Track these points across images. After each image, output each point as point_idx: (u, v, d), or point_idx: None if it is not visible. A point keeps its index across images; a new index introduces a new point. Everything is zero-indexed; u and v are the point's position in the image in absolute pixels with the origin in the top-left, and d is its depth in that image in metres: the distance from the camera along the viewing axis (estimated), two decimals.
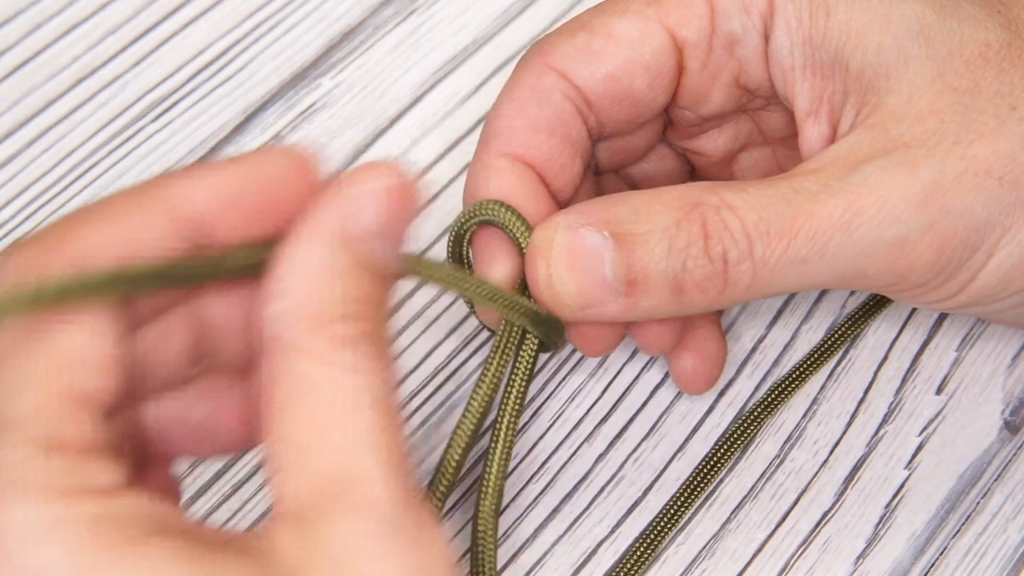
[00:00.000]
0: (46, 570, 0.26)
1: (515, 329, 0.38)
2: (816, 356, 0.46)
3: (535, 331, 0.38)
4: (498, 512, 0.38)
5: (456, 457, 0.37)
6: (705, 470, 0.43)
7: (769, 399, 0.45)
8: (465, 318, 0.47)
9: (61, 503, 0.27)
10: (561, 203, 0.40)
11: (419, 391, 0.46)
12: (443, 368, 0.46)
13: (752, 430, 0.44)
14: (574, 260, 0.37)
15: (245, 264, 0.31)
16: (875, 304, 0.47)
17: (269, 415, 0.29)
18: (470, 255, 0.41)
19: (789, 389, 0.45)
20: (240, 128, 0.51)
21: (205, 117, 0.52)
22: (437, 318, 0.47)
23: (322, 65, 0.53)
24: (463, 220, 0.39)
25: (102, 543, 0.27)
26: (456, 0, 0.54)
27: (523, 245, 0.38)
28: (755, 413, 0.45)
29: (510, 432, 0.38)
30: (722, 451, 0.44)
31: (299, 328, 0.29)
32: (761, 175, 0.44)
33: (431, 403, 0.45)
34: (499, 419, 0.39)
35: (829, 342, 0.46)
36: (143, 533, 0.27)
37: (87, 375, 0.29)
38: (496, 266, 0.39)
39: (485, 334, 0.46)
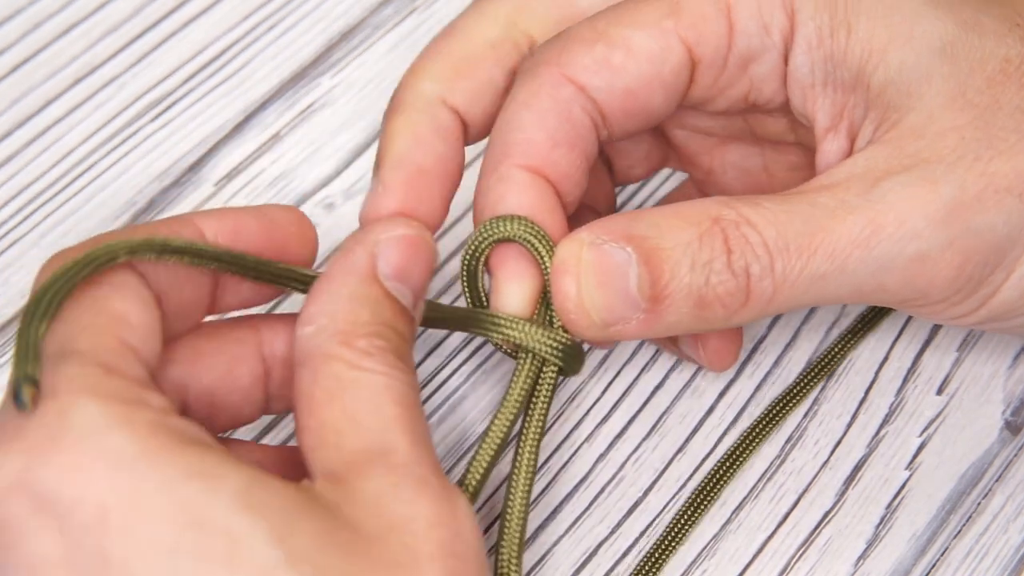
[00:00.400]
0: (117, 451, 0.30)
1: (535, 358, 0.38)
2: (818, 367, 0.46)
3: (557, 360, 0.38)
4: (523, 543, 0.38)
5: (474, 485, 0.37)
6: (710, 485, 0.43)
7: (768, 416, 0.45)
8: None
9: (124, 406, 0.31)
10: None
11: None
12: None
13: (752, 446, 0.44)
14: (602, 277, 0.36)
15: (282, 273, 0.37)
16: (874, 316, 0.46)
17: (305, 409, 0.34)
18: (484, 272, 0.40)
19: (786, 408, 0.45)
20: (240, 127, 0.51)
21: (204, 116, 0.51)
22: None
23: (322, 64, 0.53)
24: (483, 236, 0.38)
25: (162, 440, 0.31)
26: (456, 0, 0.54)
27: (547, 263, 0.38)
28: (755, 430, 0.44)
29: (532, 462, 0.38)
30: (723, 468, 0.44)
31: (332, 341, 0.34)
32: (745, 174, 0.44)
33: None
34: (520, 448, 0.38)
35: (830, 353, 0.46)
36: (197, 441, 0.32)
37: (135, 333, 0.33)
38: (518, 285, 0.39)
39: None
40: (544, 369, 0.39)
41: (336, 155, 0.51)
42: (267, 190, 0.50)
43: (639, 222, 0.37)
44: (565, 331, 0.38)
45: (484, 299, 0.40)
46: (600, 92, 0.38)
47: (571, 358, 0.38)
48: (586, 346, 0.46)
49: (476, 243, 0.39)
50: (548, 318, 0.38)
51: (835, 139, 0.39)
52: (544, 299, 0.39)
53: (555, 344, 0.38)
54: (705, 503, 0.43)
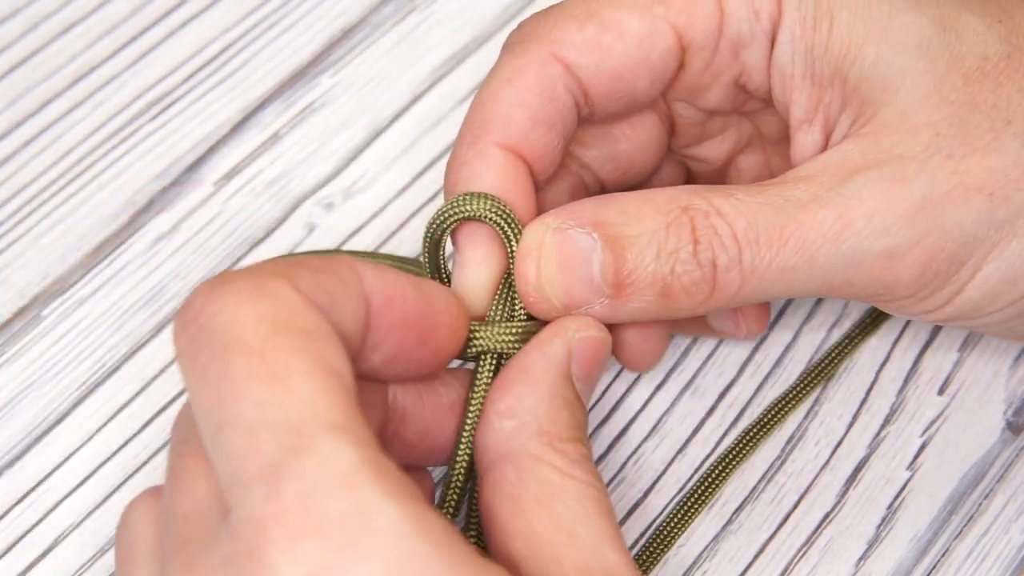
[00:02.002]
0: (422, 567, 0.28)
1: (491, 359, 0.38)
2: (817, 370, 0.45)
3: (516, 350, 0.38)
4: (466, 485, 0.38)
5: (452, 504, 0.37)
6: (704, 486, 0.43)
7: (766, 418, 0.45)
8: None
9: (417, 508, 0.29)
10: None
11: None
12: None
13: (752, 446, 0.44)
14: (563, 261, 0.37)
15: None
16: (873, 320, 0.46)
17: (509, 511, 0.34)
18: (445, 249, 0.39)
19: (795, 401, 0.45)
20: (239, 127, 0.51)
21: (204, 116, 0.51)
22: None
23: (321, 63, 0.53)
24: (451, 211, 0.38)
25: (454, 556, 0.29)
26: (455, 0, 0.54)
27: (513, 247, 0.38)
28: (752, 432, 0.44)
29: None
30: (719, 471, 0.44)
31: (538, 442, 0.34)
32: (753, 179, 0.44)
33: None
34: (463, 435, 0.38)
35: (829, 357, 0.46)
36: (460, 543, 0.30)
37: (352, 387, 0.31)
38: (483, 268, 0.38)
39: None
40: (502, 361, 0.38)
41: (335, 155, 0.51)
42: (266, 190, 0.50)
43: (609, 207, 0.37)
44: (528, 317, 0.38)
45: (445, 273, 0.39)
46: (586, 72, 0.38)
47: None
48: None
49: (443, 217, 0.38)
50: (511, 300, 0.38)
51: (809, 132, 0.39)
52: (507, 281, 0.38)
53: (513, 336, 0.38)
54: (700, 503, 0.43)
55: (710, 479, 0.43)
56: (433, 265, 0.39)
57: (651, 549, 0.42)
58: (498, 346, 0.38)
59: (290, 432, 0.29)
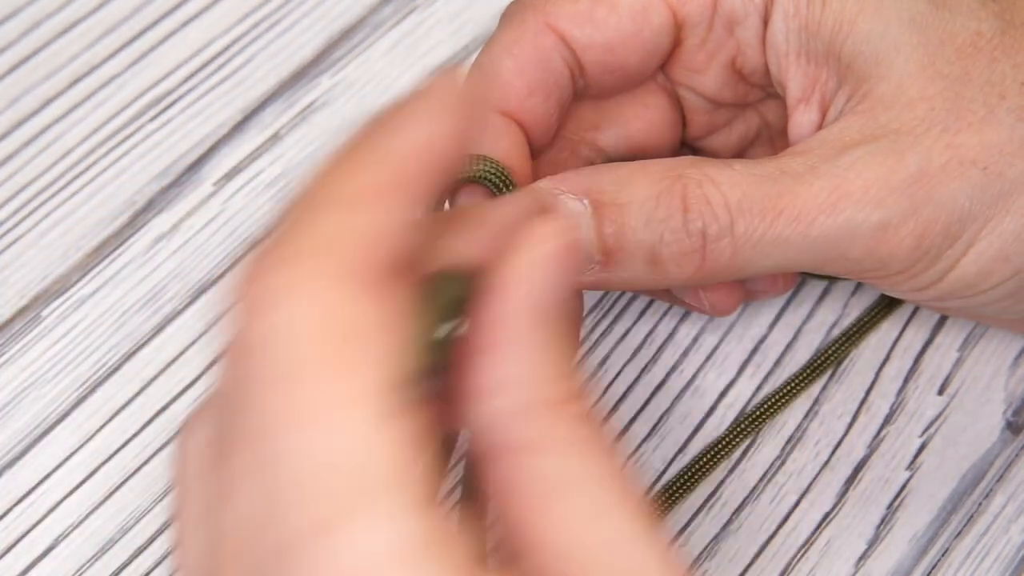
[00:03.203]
0: None
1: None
2: (815, 366, 0.46)
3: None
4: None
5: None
6: (698, 466, 0.43)
7: (769, 403, 0.45)
8: None
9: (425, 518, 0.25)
10: None
11: None
12: None
13: (751, 431, 0.44)
14: None
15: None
16: (871, 318, 0.46)
17: (520, 522, 0.27)
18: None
19: (789, 397, 0.45)
20: (239, 127, 0.51)
21: (204, 116, 0.51)
22: None
23: (321, 63, 0.53)
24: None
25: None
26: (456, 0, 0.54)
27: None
28: (756, 414, 0.44)
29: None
30: (714, 452, 0.44)
31: (534, 424, 0.27)
32: None
33: None
34: None
35: (826, 353, 0.46)
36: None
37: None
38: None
39: None
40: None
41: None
42: (267, 190, 0.50)
43: (603, 175, 0.37)
44: None
45: None
46: (580, 44, 0.39)
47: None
48: (584, 343, 0.46)
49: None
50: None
51: (807, 111, 0.39)
52: None
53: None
54: (687, 488, 0.43)
55: (700, 464, 0.43)
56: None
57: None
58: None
59: (345, 484, 0.24)
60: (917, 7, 0.37)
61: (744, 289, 0.44)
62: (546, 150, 0.41)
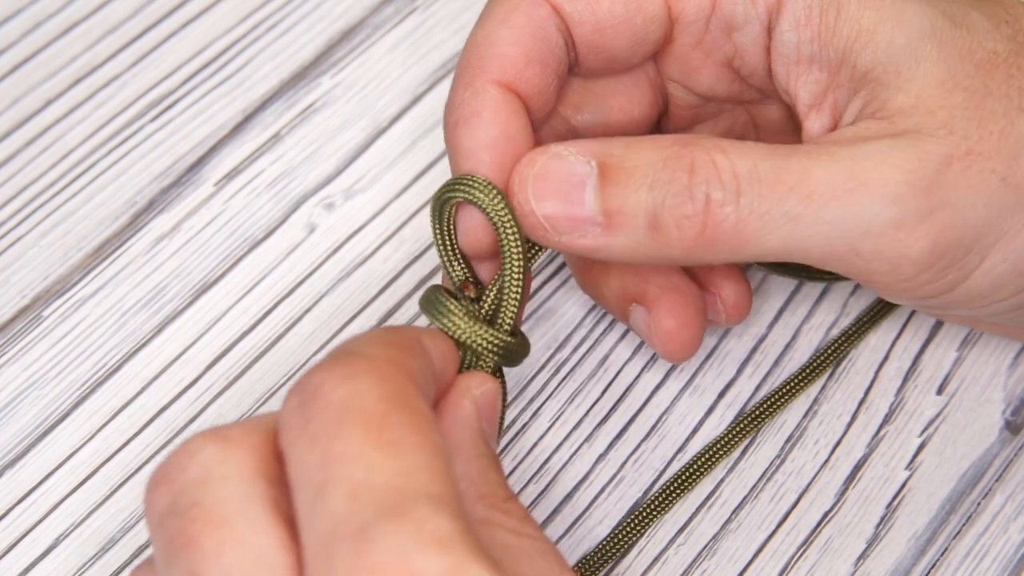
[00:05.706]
0: None
1: (471, 351, 0.38)
2: (814, 365, 0.46)
3: (493, 357, 0.38)
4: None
5: None
6: (695, 467, 0.44)
7: (767, 404, 0.45)
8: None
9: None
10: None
11: None
12: None
13: (749, 432, 0.44)
14: (557, 185, 0.36)
15: None
16: (871, 318, 0.46)
17: None
18: (451, 224, 0.39)
19: (787, 397, 0.45)
20: (240, 127, 0.51)
21: (204, 116, 0.51)
22: None
23: (322, 64, 0.53)
24: (448, 193, 0.38)
25: None
26: (456, 0, 0.54)
27: (496, 224, 0.37)
28: (755, 413, 0.44)
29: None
30: (716, 449, 0.44)
31: (483, 506, 0.33)
32: None
33: None
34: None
35: (826, 352, 0.46)
36: None
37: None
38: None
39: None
40: (479, 362, 0.38)
41: (336, 155, 0.51)
42: (267, 190, 0.50)
43: (614, 142, 0.37)
44: (508, 334, 0.38)
45: (454, 241, 0.39)
46: (571, 18, 0.39)
47: (513, 354, 0.38)
48: (584, 342, 0.46)
49: (446, 196, 0.38)
50: (498, 304, 0.38)
51: (818, 117, 0.39)
52: (495, 284, 0.38)
53: (493, 343, 0.38)
54: (681, 491, 0.43)
55: (700, 463, 0.43)
56: (442, 234, 0.39)
57: (624, 532, 0.42)
58: (475, 345, 0.38)
59: (392, 496, 0.29)
60: (937, 23, 0.37)
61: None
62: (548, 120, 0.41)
